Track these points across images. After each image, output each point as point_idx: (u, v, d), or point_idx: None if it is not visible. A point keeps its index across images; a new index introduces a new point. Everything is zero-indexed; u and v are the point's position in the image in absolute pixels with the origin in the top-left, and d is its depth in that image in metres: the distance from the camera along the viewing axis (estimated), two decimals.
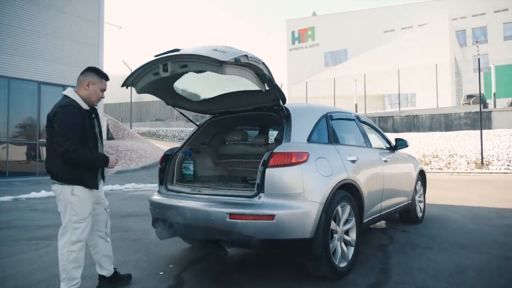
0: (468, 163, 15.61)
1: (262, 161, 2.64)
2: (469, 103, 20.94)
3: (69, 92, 2.47)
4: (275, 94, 2.72)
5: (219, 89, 3.25)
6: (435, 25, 30.62)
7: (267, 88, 2.66)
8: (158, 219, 3.00)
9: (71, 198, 2.35)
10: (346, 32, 36.16)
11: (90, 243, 2.62)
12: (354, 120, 3.80)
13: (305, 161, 2.57)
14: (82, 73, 2.51)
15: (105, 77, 2.54)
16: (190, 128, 27.85)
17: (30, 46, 11.73)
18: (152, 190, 9.48)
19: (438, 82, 23.61)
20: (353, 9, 45.94)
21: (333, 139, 3.17)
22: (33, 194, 7.93)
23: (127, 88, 2.92)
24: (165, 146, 19.13)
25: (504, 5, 31.21)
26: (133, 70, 2.81)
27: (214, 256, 3.46)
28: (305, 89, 27.36)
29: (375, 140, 4.16)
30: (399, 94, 24.74)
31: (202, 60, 2.37)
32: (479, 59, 15.87)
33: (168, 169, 3.29)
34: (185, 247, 3.78)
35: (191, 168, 3.44)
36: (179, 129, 27.49)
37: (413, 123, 20.95)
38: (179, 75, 2.97)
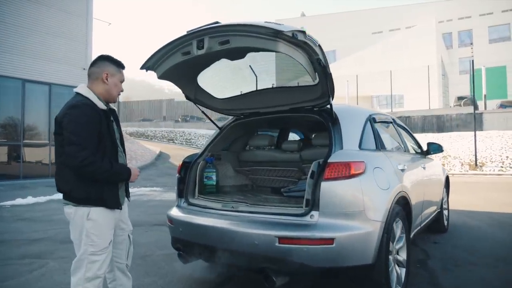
0: (462, 164, 15.59)
1: (310, 172, 2.24)
2: (460, 105, 21.08)
3: (82, 89, 1.96)
4: (326, 87, 2.31)
5: (250, 84, 2.83)
6: (422, 28, 30.89)
7: (317, 79, 2.26)
8: (182, 241, 2.54)
9: (87, 224, 1.86)
10: (335, 33, 36.15)
11: (107, 276, 2.12)
12: (391, 122, 3.44)
13: (364, 172, 2.18)
14: (94, 64, 2.02)
15: (122, 65, 2.07)
16: (180, 129, 27.20)
17: (13, 41, 10.95)
18: (147, 195, 8.94)
19: (425, 84, 23.73)
20: (342, 11, 46.03)
21: (380, 145, 2.79)
22: (19, 201, 7.29)
23: (146, 71, 2.46)
24: (155, 147, 18.48)
25: (489, 9, 31.80)
26: (157, 49, 2.34)
27: (241, 278, 3.03)
28: None
29: (409, 144, 3.82)
30: (391, 95, 24.77)
31: (252, 32, 1.97)
32: (472, 61, 15.88)
33: (188, 180, 2.85)
34: (204, 266, 3.33)
35: (214, 177, 3.01)
36: (168, 130, 26.78)
37: (406, 124, 20.93)
38: (207, 62, 2.54)
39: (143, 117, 32.78)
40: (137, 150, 16.28)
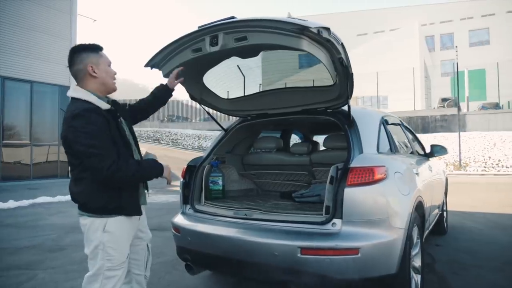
0: (447, 165, 15.87)
1: (329, 177, 2.12)
2: (443, 106, 21.49)
3: (77, 92, 1.72)
4: (345, 88, 2.20)
5: (261, 83, 2.69)
6: (406, 30, 31.46)
7: (335, 80, 2.16)
8: (191, 251, 2.38)
9: (104, 237, 1.68)
10: None
11: None
12: (400, 124, 3.37)
13: (386, 177, 2.07)
14: (72, 62, 1.73)
15: (99, 47, 1.79)
16: (166, 129, 26.74)
17: None
18: None
19: (408, 85, 24.11)
20: (327, 12, 46.44)
21: (394, 148, 2.70)
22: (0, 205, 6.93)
23: (151, 69, 2.28)
24: (140, 148, 18.03)
25: (470, 13, 32.67)
26: (164, 46, 2.17)
27: (247, 285, 2.89)
28: None
29: (415, 145, 3.76)
30: (377, 96, 25.05)
31: (274, 28, 1.84)
32: (457, 63, 16.18)
33: (194, 185, 2.68)
34: (205, 274, 3.17)
35: (220, 182, 2.86)
36: (153, 130, 26.28)
37: None
38: (216, 60, 2.41)
39: None
40: None
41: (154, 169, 1.78)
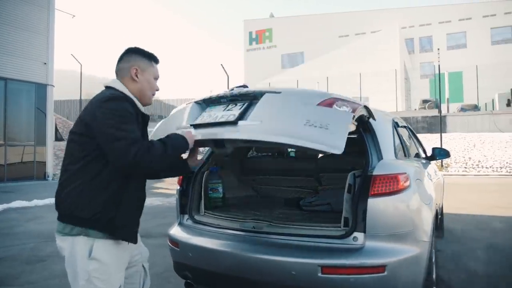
0: None
1: (347, 185, 1.93)
2: (424, 108, 21.85)
3: (116, 83, 1.59)
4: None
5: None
6: (386, 33, 31.97)
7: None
8: (192, 268, 2.14)
9: (89, 265, 1.39)
10: (303, 35, 36.59)
11: None
12: (407, 127, 3.23)
13: (409, 186, 1.90)
14: (121, 59, 1.64)
15: (154, 58, 1.69)
16: (149, 129, 25.98)
17: None
18: None
19: (389, 87, 24.46)
20: (310, 13, 46.67)
21: (407, 152, 2.55)
22: None
23: (195, 129, 2.05)
24: None
25: (448, 17, 33.55)
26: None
27: None
28: None
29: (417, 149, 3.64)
30: (360, 97, 25.27)
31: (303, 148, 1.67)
32: (439, 65, 16.45)
33: (192, 193, 2.44)
34: None
35: (220, 189, 2.63)
36: None
37: None
38: None
39: None
40: None
41: (181, 140, 1.62)
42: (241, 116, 1.73)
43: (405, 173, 1.94)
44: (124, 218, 1.47)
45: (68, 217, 1.43)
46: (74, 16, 14.81)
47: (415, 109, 23.58)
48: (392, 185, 1.82)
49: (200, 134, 1.79)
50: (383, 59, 28.64)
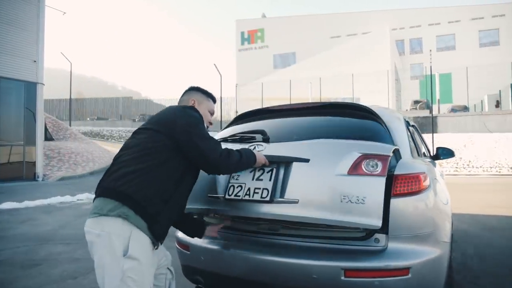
0: None
1: None
2: (416, 108, 22.07)
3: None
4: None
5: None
6: (377, 34, 32.25)
7: None
8: (204, 272, 2.05)
9: (125, 263, 1.33)
10: (295, 36, 36.70)
11: None
12: (414, 126, 3.19)
13: (430, 185, 1.85)
14: (184, 93, 1.97)
15: (212, 96, 1.98)
16: None
17: None
18: None
19: (380, 88, 24.64)
20: (302, 14, 46.78)
21: (419, 151, 2.51)
22: None
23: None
24: (113, 148, 17.22)
25: (437, 19, 34.02)
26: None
27: None
28: (256, 90, 27.11)
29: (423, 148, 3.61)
30: (353, 98, 25.40)
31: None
32: (431, 67, 16.62)
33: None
34: None
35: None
36: (125, 129, 25.29)
37: None
38: None
39: (96, 115, 30.63)
40: (94, 151, 15.02)
41: (251, 156, 1.79)
42: (274, 191, 1.78)
43: (425, 172, 1.89)
44: (166, 218, 1.50)
45: (117, 194, 1.38)
46: (65, 13, 14.46)
47: (406, 110, 23.79)
48: (414, 185, 1.77)
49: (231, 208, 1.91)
50: (374, 60, 28.88)
